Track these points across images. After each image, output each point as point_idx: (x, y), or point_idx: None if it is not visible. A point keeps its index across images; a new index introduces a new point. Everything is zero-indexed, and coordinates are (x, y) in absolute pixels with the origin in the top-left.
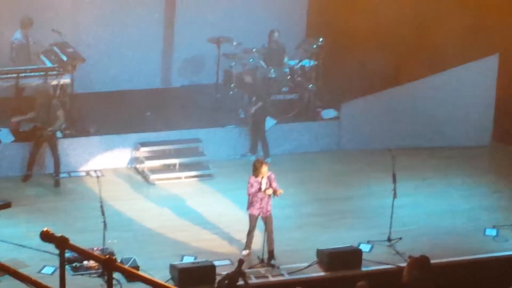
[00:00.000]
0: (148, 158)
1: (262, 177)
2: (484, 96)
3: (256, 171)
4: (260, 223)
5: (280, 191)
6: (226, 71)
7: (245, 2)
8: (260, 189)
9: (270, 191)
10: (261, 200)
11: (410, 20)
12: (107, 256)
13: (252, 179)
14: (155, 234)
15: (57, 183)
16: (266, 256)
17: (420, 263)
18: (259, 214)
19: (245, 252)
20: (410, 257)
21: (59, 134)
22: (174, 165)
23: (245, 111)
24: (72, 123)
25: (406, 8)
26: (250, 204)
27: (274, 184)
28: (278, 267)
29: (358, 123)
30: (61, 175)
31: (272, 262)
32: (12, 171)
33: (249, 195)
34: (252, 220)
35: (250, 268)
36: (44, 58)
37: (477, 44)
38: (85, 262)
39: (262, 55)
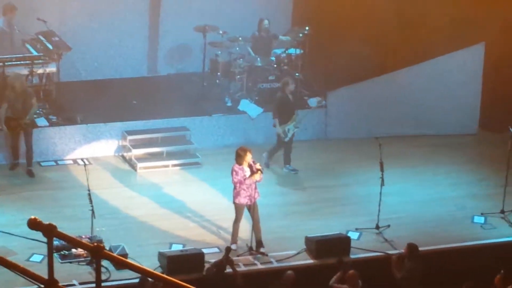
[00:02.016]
0: (135, 146)
1: (248, 165)
2: (471, 85)
3: (240, 159)
4: (245, 212)
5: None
6: (212, 60)
7: None
8: (245, 176)
9: (257, 177)
10: (248, 187)
11: (396, 10)
12: (95, 244)
13: (236, 167)
14: (143, 222)
15: (30, 174)
16: (254, 244)
17: (409, 252)
18: (247, 203)
19: (234, 247)
20: (393, 255)
21: (45, 122)
22: (161, 153)
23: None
24: (58, 111)
25: None
26: (237, 194)
27: (258, 165)
28: (266, 255)
29: (345, 112)
30: (49, 163)
31: (262, 250)
32: None
33: (235, 183)
34: (240, 209)
35: (238, 256)
36: (29, 47)
37: (463, 32)
38: (74, 250)
39: (251, 43)
